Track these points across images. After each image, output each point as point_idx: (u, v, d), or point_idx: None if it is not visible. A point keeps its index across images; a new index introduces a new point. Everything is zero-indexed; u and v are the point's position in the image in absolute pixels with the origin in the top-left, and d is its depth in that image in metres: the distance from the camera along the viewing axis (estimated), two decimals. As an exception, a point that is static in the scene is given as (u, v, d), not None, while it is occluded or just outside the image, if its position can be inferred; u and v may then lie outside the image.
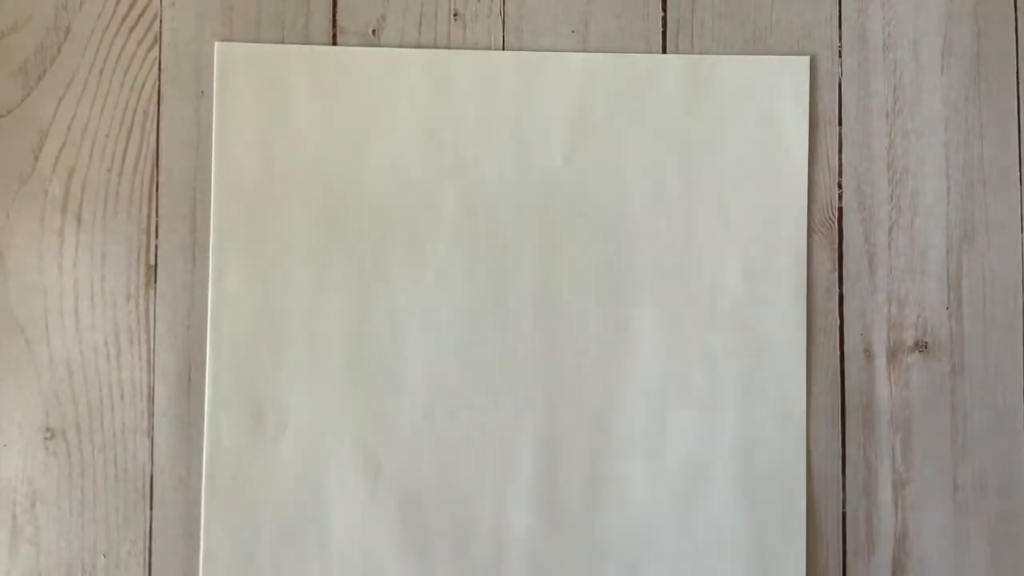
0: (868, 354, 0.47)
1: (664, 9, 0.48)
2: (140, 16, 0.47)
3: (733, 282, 0.47)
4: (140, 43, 0.47)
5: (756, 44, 0.48)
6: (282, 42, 0.47)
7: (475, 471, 0.46)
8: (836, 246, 0.47)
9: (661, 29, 0.48)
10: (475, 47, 0.47)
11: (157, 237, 0.46)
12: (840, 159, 0.47)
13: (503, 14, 0.47)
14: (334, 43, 0.47)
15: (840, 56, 0.48)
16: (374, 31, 0.47)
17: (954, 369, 0.47)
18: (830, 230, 0.47)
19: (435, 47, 0.47)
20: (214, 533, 0.45)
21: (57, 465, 0.46)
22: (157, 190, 0.46)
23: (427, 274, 0.46)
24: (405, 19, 0.47)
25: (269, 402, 0.46)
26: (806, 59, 0.47)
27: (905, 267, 0.47)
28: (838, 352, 0.47)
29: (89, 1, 0.47)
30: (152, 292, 0.46)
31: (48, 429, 0.46)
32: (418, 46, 0.47)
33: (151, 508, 0.46)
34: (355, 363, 0.46)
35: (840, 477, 0.47)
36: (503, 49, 0.47)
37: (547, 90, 0.47)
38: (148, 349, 0.46)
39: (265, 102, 0.46)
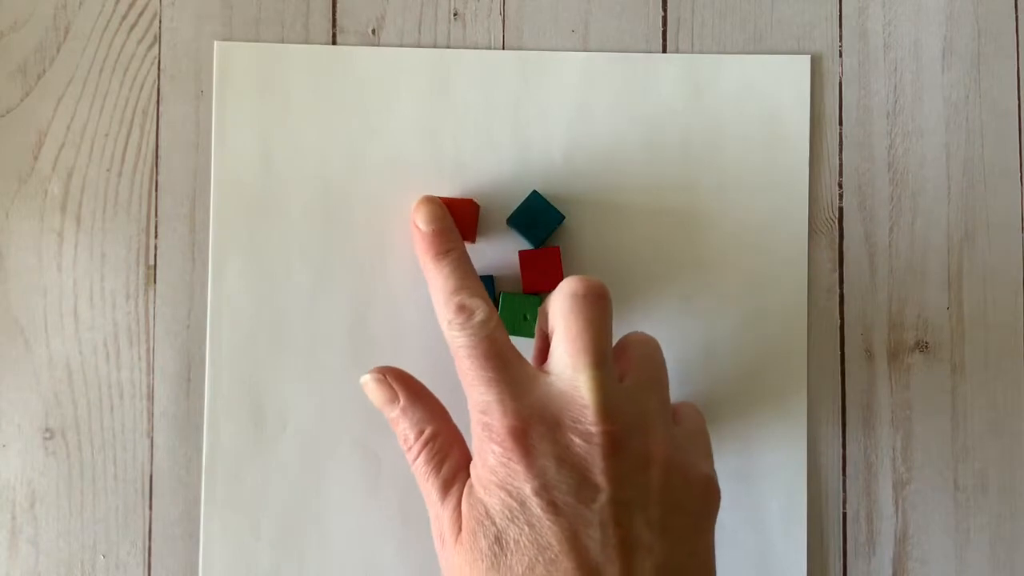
0: (868, 354, 0.47)
1: (664, 9, 0.48)
2: (140, 15, 0.47)
3: (733, 282, 0.46)
4: (140, 42, 0.47)
5: (756, 43, 0.48)
6: (282, 42, 0.47)
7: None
8: (837, 246, 0.47)
9: (661, 29, 0.48)
10: (475, 47, 0.47)
11: (157, 237, 0.46)
12: (841, 159, 0.47)
13: (503, 14, 0.47)
14: (334, 43, 0.47)
15: (841, 55, 0.48)
16: (374, 31, 0.47)
17: (954, 369, 0.47)
18: (831, 230, 0.47)
19: (435, 47, 0.47)
20: (214, 533, 0.45)
21: (56, 465, 0.46)
22: (157, 190, 0.46)
23: (427, 274, 0.46)
24: (405, 19, 0.47)
25: (269, 402, 0.46)
26: (807, 58, 0.47)
27: (906, 267, 0.47)
28: (838, 352, 0.47)
29: (89, 1, 0.47)
30: (152, 292, 0.46)
31: (47, 429, 0.46)
32: (418, 46, 0.47)
33: (151, 508, 0.46)
34: (355, 363, 0.46)
35: (840, 477, 0.47)
36: (503, 49, 0.47)
37: (547, 90, 0.47)
38: (148, 349, 0.46)
39: (265, 102, 0.46)
